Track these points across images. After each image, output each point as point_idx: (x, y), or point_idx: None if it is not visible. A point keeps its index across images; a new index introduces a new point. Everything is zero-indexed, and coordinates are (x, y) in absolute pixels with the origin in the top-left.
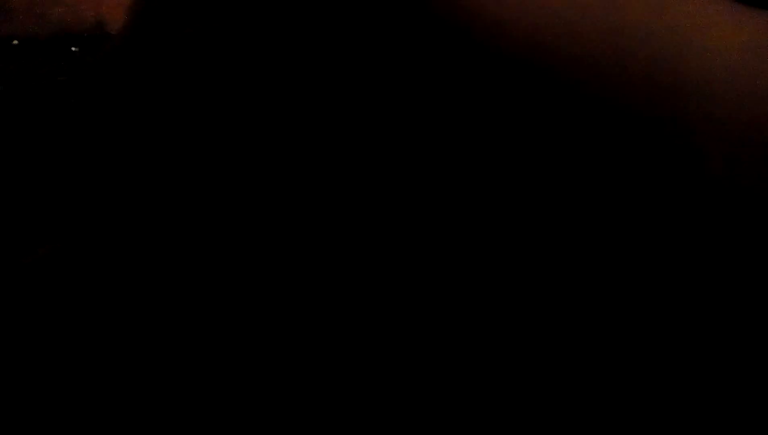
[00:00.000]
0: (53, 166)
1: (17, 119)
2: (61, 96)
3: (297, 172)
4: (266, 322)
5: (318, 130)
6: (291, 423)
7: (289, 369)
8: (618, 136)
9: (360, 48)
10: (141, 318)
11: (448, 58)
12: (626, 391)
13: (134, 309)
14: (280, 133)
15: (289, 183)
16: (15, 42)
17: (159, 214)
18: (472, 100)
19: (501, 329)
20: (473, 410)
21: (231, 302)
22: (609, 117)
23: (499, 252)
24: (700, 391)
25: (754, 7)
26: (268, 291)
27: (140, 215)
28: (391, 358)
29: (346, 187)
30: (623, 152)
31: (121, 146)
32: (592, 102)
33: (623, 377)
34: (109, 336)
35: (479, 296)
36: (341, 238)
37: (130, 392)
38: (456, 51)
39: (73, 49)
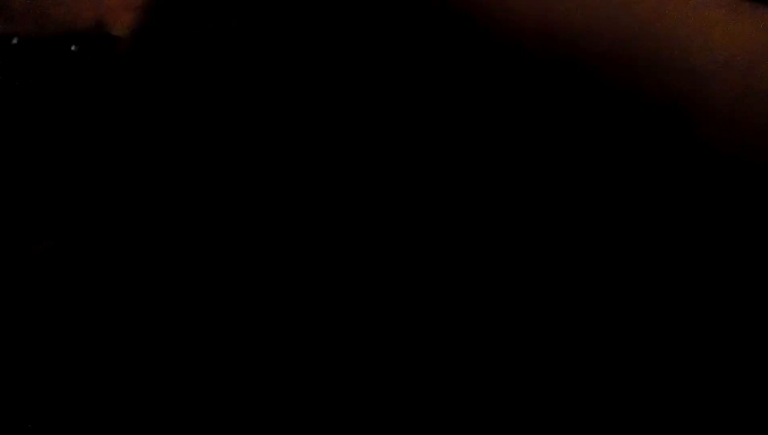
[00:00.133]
0: (53, 164)
1: (17, 119)
2: (61, 96)
3: (300, 172)
4: (265, 317)
5: (323, 129)
6: (291, 423)
7: (288, 367)
8: (620, 132)
9: (366, 45)
10: (142, 310)
11: (454, 52)
12: (627, 388)
13: (136, 301)
14: (283, 132)
15: (291, 182)
16: (15, 41)
17: (162, 210)
18: (478, 95)
19: (501, 327)
20: (473, 410)
21: (232, 291)
22: (611, 111)
23: (502, 250)
24: (703, 385)
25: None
26: (268, 286)
27: (142, 214)
28: (391, 358)
29: (351, 185)
30: (625, 148)
31: (122, 144)
32: (592, 99)
33: (625, 373)
34: (111, 328)
35: (480, 294)
36: (343, 237)
37: (130, 386)
38: (460, 45)
39: (73, 49)
